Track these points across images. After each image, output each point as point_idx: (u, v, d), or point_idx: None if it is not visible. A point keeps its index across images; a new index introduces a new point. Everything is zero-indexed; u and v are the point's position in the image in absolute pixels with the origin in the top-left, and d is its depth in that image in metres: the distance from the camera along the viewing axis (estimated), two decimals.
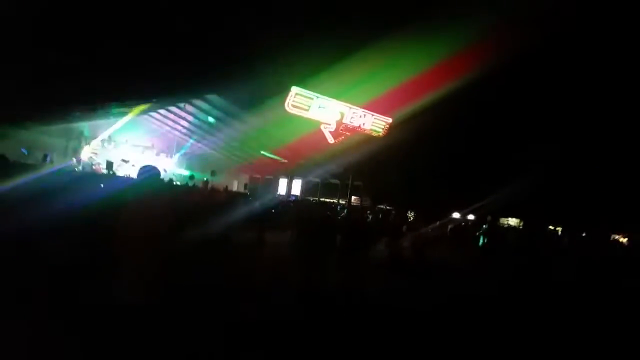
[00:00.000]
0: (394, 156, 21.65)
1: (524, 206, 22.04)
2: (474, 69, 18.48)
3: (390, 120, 23.35)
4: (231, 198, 15.64)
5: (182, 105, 25.85)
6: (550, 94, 20.38)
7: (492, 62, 18.13)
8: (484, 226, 14.18)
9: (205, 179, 23.20)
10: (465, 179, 22.47)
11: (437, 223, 17.84)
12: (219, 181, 25.87)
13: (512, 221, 26.05)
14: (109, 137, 28.51)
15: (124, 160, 25.40)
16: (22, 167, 8.42)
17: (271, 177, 35.71)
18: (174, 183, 20.64)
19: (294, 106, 20.14)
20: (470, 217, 25.17)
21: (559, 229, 21.43)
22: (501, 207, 22.93)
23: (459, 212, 25.17)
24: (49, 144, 23.43)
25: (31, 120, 18.86)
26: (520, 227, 24.54)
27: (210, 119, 24.44)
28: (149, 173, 3.91)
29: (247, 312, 5.93)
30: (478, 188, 22.31)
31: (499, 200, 21.75)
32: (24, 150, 18.71)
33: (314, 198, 27.95)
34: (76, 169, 19.30)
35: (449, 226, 18.63)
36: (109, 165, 21.49)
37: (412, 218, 20.19)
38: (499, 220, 25.40)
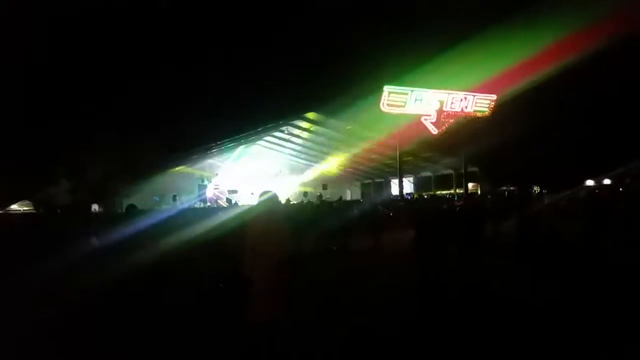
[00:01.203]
0: (509, 133, 20.04)
1: None
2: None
3: (494, 97, 21.81)
4: (344, 207, 15.79)
5: (284, 129, 27.03)
6: None
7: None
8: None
9: (318, 193, 23.81)
10: (594, 142, 19.97)
11: (568, 193, 16.03)
12: (332, 193, 26.39)
13: None
14: (227, 171, 30.81)
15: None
16: (149, 212, 9.40)
17: (382, 180, 35.50)
18: (290, 202, 21.44)
19: (389, 105, 19.81)
20: (606, 181, 22.22)
21: None
22: None
23: (592, 179, 22.39)
24: (178, 187, 26.00)
25: (158, 170, 21.10)
26: None
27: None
28: (267, 196, 4.20)
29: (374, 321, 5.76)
30: (611, 149, 19.69)
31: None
32: (156, 198, 21.03)
33: (428, 193, 27.11)
34: (201, 206, 21.09)
35: (580, 194, 16.55)
36: (228, 199, 23.16)
37: (537, 194, 18.47)
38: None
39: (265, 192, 4.21)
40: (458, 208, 12.63)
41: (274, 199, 4.16)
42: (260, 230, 3.96)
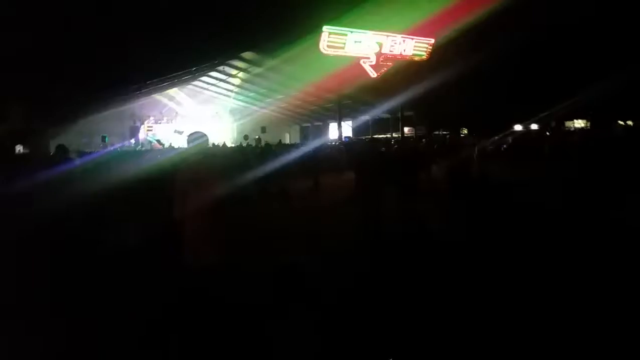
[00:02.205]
0: (444, 78, 20.56)
1: (590, 105, 20.35)
2: None
3: (432, 40, 22.02)
4: (283, 150, 15.79)
5: (221, 68, 26.02)
6: None
7: None
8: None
9: (256, 136, 23.59)
10: (524, 88, 21.03)
11: (496, 138, 17.00)
12: (271, 136, 26.19)
13: (579, 123, 24.36)
14: (161, 113, 29.48)
15: (177, 132, 26.18)
16: (80, 153, 8.96)
17: (320, 123, 35.60)
18: (227, 145, 21.13)
19: (329, 47, 19.50)
20: (534, 126, 23.83)
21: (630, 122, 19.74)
22: (566, 111, 21.55)
23: (520, 124, 23.87)
24: (108, 129, 24.65)
25: (85, 110, 19.81)
26: (588, 128, 22.92)
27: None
28: (197, 139, 3.99)
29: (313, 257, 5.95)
30: (539, 96, 20.88)
31: (563, 104, 20.40)
32: (85, 140, 19.86)
33: (366, 137, 27.62)
34: (133, 148, 20.23)
35: (509, 139, 17.67)
36: (159, 141, 22.31)
37: (469, 138, 19.38)
38: (564, 125, 23.81)
39: (194, 133, 4.04)
40: (393, 150, 13.04)
41: (204, 141, 4.01)
42: (190, 174, 3.85)
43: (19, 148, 13.79)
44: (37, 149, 14.60)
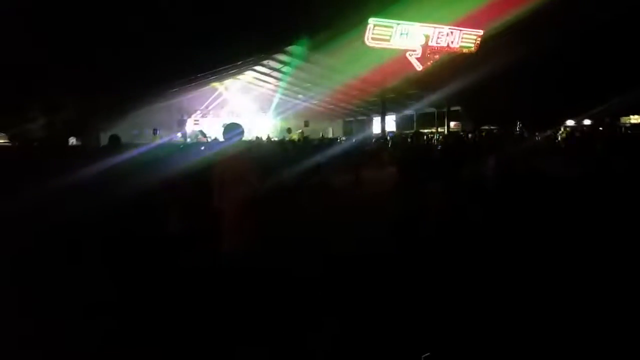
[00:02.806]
0: (493, 72, 19.81)
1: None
2: None
3: (481, 32, 21.30)
4: (326, 144, 15.77)
5: (265, 62, 26.24)
6: None
7: None
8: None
9: (300, 130, 23.69)
10: (576, 83, 19.94)
11: (548, 133, 16.25)
12: (313, 130, 26.25)
13: (636, 119, 22.85)
14: (206, 107, 30.14)
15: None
16: (131, 145, 9.26)
17: (364, 117, 35.27)
18: (271, 138, 21.32)
19: (374, 39, 19.20)
20: (586, 122, 22.62)
21: None
22: (621, 106, 20.34)
23: (573, 119, 22.72)
24: (156, 122, 25.47)
25: (137, 101, 20.47)
26: None
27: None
28: (235, 134, 3.98)
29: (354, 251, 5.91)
30: (591, 91, 19.76)
31: (617, 99, 19.24)
32: (135, 132, 20.61)
33: (411, 131, 27.15)
34: (182, 140, 20.81)
35: (561, 135, 16.81)
36: (202, 133, 22.71)
37: (519, 132, 18.63)
38: (619, 120, 22.41)
39: (231, 126, 3.97)
40: (439, 145, 12.71)
41: (240, 133, 3.96)
42: (227, 167, 3.85)
43: (72, 140, 14.47)
44: (89, 141, 15.29)
